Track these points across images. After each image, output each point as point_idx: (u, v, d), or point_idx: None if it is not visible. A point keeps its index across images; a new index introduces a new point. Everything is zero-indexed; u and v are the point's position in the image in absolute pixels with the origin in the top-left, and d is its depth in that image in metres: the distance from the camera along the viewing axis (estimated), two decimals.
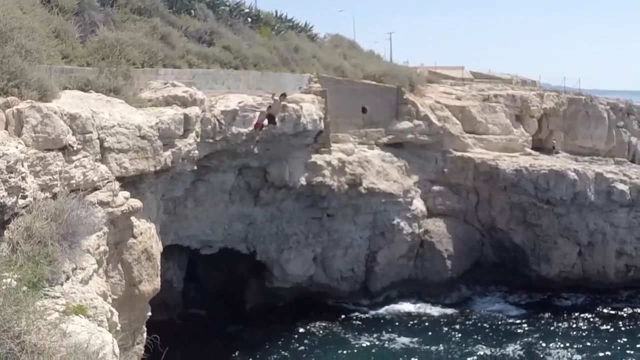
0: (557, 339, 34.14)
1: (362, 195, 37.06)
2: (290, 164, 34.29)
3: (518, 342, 33.82)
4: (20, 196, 11.35)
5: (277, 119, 28.81)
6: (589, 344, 33.78)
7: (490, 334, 34.67)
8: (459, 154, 41.49)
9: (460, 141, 41.92)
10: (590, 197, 39.31)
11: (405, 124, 40.40)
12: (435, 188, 40.97)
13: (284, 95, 29.18)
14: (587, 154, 45.73)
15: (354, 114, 39.07)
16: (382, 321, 35.89)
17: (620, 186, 39.42)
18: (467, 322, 36.01)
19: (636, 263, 39.96)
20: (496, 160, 41.04)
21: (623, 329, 35.64)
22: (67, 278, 11.45)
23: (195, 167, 24.85)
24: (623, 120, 51.00)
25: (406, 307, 37.78)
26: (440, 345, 33.23)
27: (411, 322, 35.94)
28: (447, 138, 41.53)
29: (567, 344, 33.57)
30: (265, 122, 28.05)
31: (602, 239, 39.92)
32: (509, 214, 40.87)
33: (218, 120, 27.07)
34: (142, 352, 17.93)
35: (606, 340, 34.25)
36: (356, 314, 36.58)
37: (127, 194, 17.94)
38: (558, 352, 32.77)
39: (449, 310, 37.37)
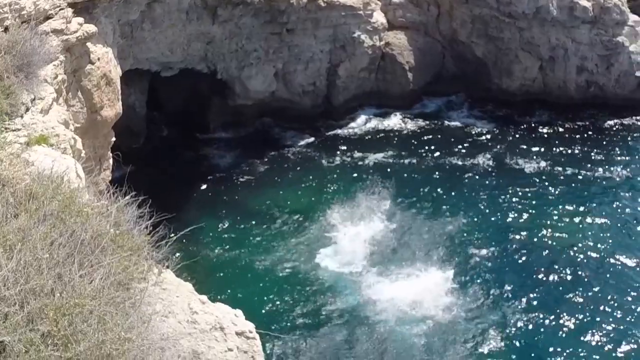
0: (524, 150, 35.53)
1: (321, 9, 36.53)
2: None
3: (487, 153, 35.08)
4: None
5: None
6: (552, 154, 35.25)
7: (459, 146, 35.79)
8: None
9: None
10: (552, 12, 38.89)
11: None
12: (396, 0, 40.41)
13: None
14: None
15: None
16: (352, 140, 36.59)
17: (583, 2, 38.77)
18: (436, 136, 36.88)
19: (597, 79, 40.10)
20: None
21: (584, 140, 36.85)
22: (27, 109, 11.58)
23: None
24: None
25: (375, 123, 38.32)
26: (413, 158, 34.49)
27: (381, 139, 36.70)
28: None
29: (533, 155, 35.05)
30: None
31: (563, 54, 39.92)
32: (470, 26, 40.63)
33: None
34: (110, 178, 18.40)
35: (568, 150, 35.72)
36: (326, 134, 37.04)
37: (80, 20, 17.73)
38: (525, 162, 34.35)
39: (418, 125, 38.02)
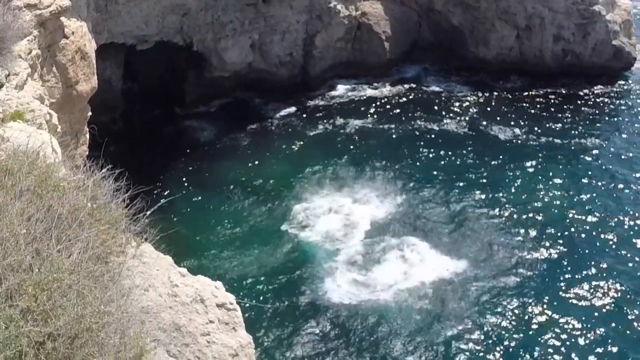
0: (498, 117, 35.86)
1: None
2: None
3: (462, 119, 35.49)
4: None
5: None
6: (529, 122, 35.52)
7: (436, 112, 36.17)
8: None
9: None
10: None
11: None
12: None
13: None
14: None
15: None
16: (333, 109, 36.68)
17: None
18: (413, 104, 37.18)
19: (573, 48, 40.20)
20: None
21: (560, 109, 37.12)
22: (1, 86, 11.49)
23: None
24: None
25: (354, 92, 38.40)
26: (392, 125, 34.83)
27: (360, 107, 36.85)
28: None
29: (507, 122, 35.39)
30: None
31: (540, 23, 39.92)
32: None
33: None
34: (87, 152, 18.30)
35: (544, 118, 35.99)
36: (306, 104, 37.02)
37: None
38: (499, 128, 34.67)
39: (395, 93, 38.24)
